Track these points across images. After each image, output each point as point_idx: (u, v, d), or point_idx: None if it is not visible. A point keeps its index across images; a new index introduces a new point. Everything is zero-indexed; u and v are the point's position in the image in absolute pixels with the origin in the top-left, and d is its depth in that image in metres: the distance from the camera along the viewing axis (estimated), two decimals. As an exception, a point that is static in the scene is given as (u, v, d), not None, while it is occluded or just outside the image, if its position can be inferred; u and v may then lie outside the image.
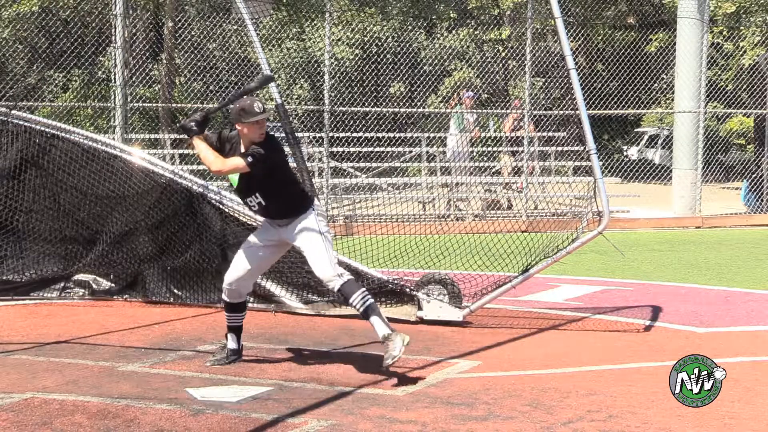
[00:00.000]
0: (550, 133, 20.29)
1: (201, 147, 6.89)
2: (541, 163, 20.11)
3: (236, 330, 7.31)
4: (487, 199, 18.86)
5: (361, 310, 6.81)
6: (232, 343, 7.29)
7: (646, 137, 33.31)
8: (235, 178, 6.97)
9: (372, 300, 6.86)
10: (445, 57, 25.80)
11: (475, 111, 19.49)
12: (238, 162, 6.82)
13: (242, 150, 6.91)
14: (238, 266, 7.16)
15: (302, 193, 7.19)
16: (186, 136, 7.03)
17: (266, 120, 6.98)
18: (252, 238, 7.21)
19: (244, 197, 7.10)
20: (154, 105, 20.84)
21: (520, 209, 18.20)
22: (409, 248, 10.32)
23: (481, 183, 19.07)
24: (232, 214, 9.45)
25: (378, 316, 6.80)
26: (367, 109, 19.27)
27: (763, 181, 19.69)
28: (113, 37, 14.45)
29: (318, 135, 17.20)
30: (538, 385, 6.69)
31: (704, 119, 18.90)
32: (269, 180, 6.90)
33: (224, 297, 7.27)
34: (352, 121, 19.21)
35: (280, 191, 6.96)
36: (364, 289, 6.92)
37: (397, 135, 20.37)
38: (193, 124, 6.89)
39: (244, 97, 6.96)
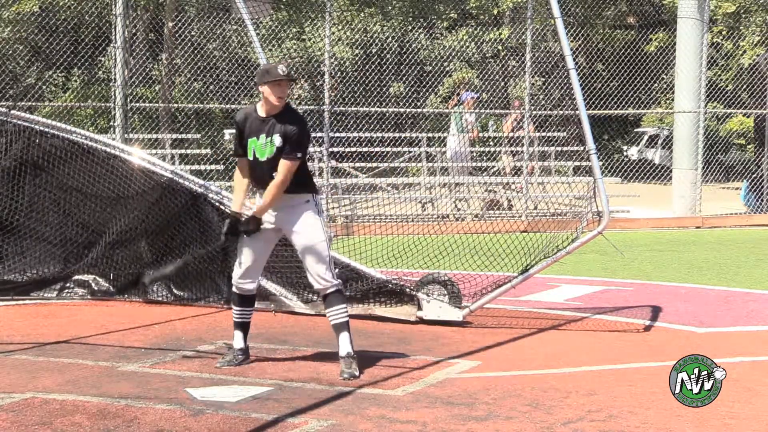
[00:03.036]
0: (550, 133, 20.30)
1: (267, 198, 6.97)
2: (541, 163, 20.11)
3: (243, 327, 7.29)
4: (486, 199, 18.86)
5: (343, 320, 7.01)
6: (239, 342, 7.28)
7: (646, 137, 33.31)
8: (263, 151, 6.96)
9: (348, 317, 7.08)
10: (445, 57, 25.80)
11: (475, 111, 19.49)
12: (289, 165, 6.91)
13: (263, 115, 7.00)
14: (242, 258, 7.17)
15: (310, 174, 7.32)
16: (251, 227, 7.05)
17: (288, 84, 7.06)
18: None
19: (268, 173, 6.98)
20: (154, 105, 20.84)
21: (520, 209, 18.20)
22: (409, 248, 10.31)
23: (481, 183, 19.07)
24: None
25: (350, 333, 7.03)
26: (367, 109, 19.27)
27: (763, 181, 19.69)
28: (113, 37, 14.44)
29: (318, 135, 17.20)
30: (538, 385, 6.68)
31: (704, 119, 18.89)
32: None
33: (234, 289, 7.29)
34: (352, 121, 19.21)
35: (300, 167, 7.02)
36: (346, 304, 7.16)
37: (397, 135, 20.38)
38: (248, 228, 7.01)
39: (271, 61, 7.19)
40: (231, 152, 6.95)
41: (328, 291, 7.03)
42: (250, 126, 7.05)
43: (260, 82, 7.01)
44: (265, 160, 6.99)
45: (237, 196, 7.19)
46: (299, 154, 6.95)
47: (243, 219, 7.07)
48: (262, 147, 7.00)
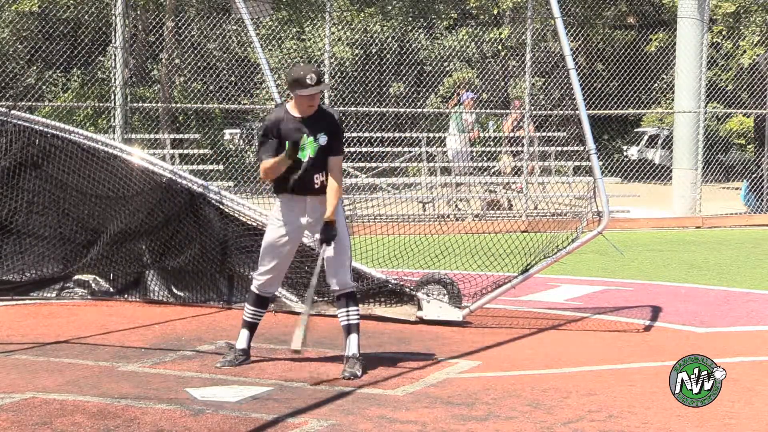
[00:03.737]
0: (550, 133, 20.30)
1: (333, 201, 6.84)
2: (541, 163, 20.11)
3: (251, 328, 7.27)
4: (487, 199, 18.86)
5: (355, 322, 7.03)
6: (242, 343, 7.25)
7: (646, 137, 33.32)
8: (304, 152, 6.85)
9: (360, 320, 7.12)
10: (445, 57, 25.80)
11: (474, 111, 19.50)
12: (341, 161, 6.99)
13: (298, 116, 6.90)
14: (269, 262, 7.10)
15: None
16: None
17: (320, 94, 6.98)
18: (276, 228, 7.07)
19: (310, 174, 6.88)
20: (154, 105, 20.84)
21: (520, 209, 18.20)
22: (409, 248, 10.32)
23: (481, 183, 19.07)
24: (232, 213, 9.45)
25: (359, 336, 7.05)
26: (367, 109, 19.28)
27: (763, 181, 19.69)
28: (113, 38, 14.44)
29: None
30: (538, 385, 6.69)
31: (704, 119, 18.90)
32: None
33: (253, 288, 7.22)
34: (352, 121, 19.21)
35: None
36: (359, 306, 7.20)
37: (397, 135, 20.37)
38: (333, 233, 6.86)
39: (301, 64, 7.12)
40: (259, 159, 6.88)
41: (345, 292, 7.03)
42: (284, 128, 6.90)
43: (291, 89, 6.93)
44: (306, 160, 6.87)
45: (330, 200, 6.88)
46: (342, 148, 7.03)
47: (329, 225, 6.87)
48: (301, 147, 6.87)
